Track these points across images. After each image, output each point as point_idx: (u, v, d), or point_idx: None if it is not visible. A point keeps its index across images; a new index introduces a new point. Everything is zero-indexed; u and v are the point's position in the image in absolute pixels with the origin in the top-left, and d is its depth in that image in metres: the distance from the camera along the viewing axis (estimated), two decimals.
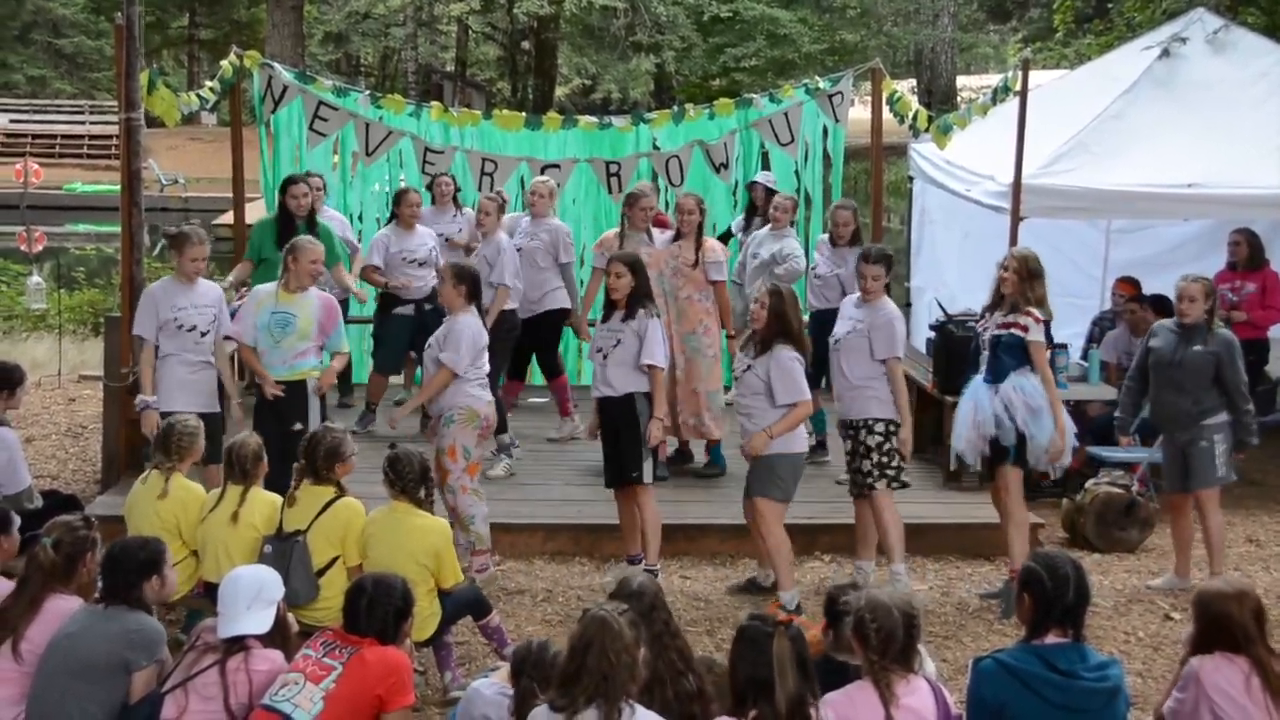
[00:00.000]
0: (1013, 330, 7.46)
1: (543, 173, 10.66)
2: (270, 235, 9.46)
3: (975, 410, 7.59)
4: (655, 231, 9.33)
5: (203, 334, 7.81)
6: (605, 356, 7.61)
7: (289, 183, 9.61)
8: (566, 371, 10.60)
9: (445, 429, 7.53)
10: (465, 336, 7.54)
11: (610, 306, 7.72)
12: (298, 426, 7.44)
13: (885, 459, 7.54)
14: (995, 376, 7.52)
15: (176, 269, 7.90)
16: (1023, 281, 7.46)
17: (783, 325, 7.25)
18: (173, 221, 8.24)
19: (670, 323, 8.78)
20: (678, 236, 9.23)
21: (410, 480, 6.29)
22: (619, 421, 7.60)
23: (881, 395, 7.54)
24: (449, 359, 7.49)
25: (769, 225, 10.06)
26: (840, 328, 7.73)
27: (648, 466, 7.60)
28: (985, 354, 7.65)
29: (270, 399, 7.64)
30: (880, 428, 7.53)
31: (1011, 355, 7.48)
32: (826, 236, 9.92)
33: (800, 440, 7.45)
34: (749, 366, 7.32)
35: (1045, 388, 7.45)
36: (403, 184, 10.96)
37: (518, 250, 9.71)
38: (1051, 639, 4.63)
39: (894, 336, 7.57)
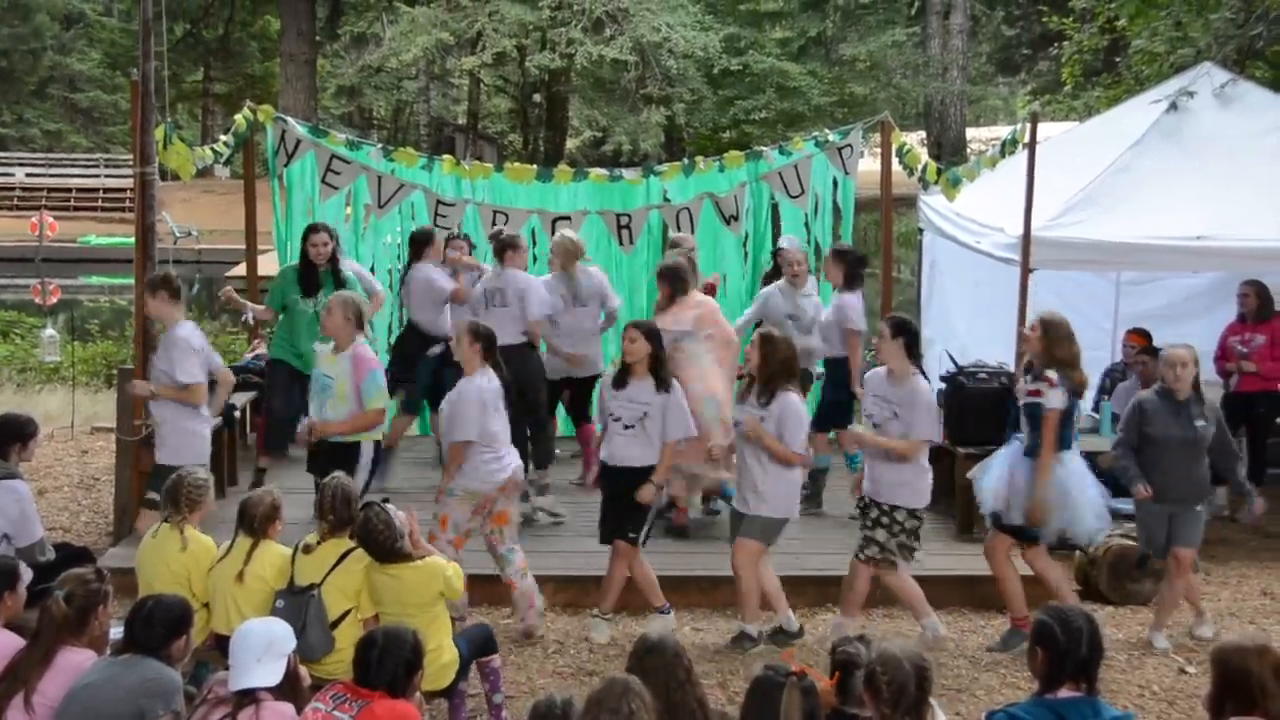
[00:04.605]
0: (1035, 399, 7.39)
1: (553, 226, 10.72)
2: (292, 282, 9.63)
3: (1009, 480, 7.56)
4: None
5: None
6: (627, 427, 7.50)
7: (310, 231, 9.74)
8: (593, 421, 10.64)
9: (447, 499, 7.53)
10: (471, 406, 7.42)
11: (626, 372, 7.60)
12: None
13: (908, 541, 7.49)
14: (1032, 451, 7.46)
15: None
16: (1045, 342, 7.40)
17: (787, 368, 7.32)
18: (185, 274, 8.41)
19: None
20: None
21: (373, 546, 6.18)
22: (630, 488, 7.53)
23: (911, 482, 7.43)
24: (460, 437, 7.41)
25: (782, 280, 9.97)
26: (874, 409, 7.47)
27: (644, 531, 7.65)
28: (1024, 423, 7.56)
29: (315, 452, 7.75)
30: (903, 515, 7.44)
31: (1040, 426, 7.40)
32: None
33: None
34: (763, 418, 7.30)
35: (1042, 454, 7.33)
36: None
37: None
38: (1065, 693, 4.61)
39: (934, 419, 7.47)
